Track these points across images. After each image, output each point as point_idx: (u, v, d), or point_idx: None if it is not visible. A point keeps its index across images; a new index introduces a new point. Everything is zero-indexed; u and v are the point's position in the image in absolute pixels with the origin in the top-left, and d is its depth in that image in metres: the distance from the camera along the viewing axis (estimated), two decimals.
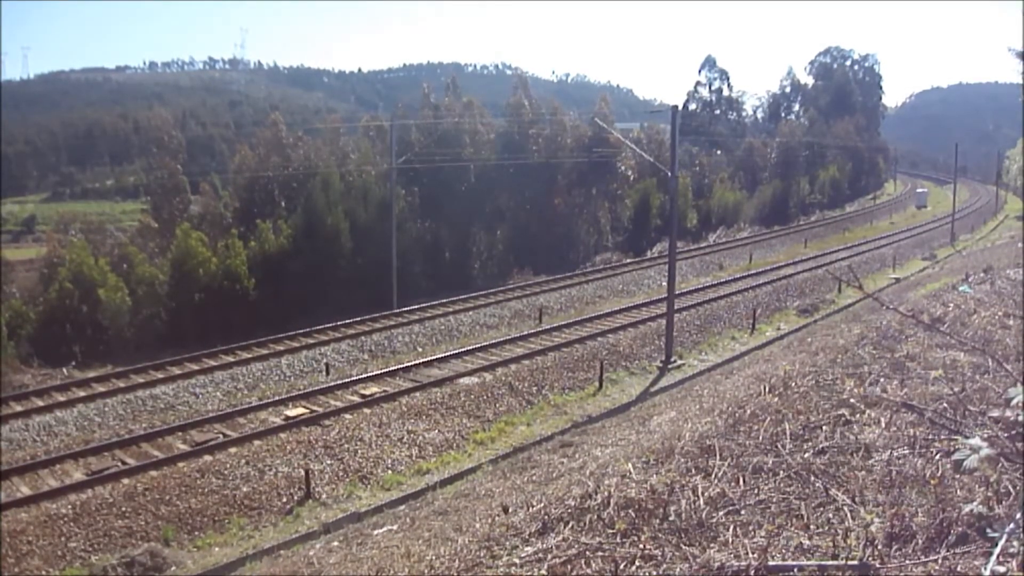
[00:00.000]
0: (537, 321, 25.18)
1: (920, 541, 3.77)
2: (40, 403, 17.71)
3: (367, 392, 18.08)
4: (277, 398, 17.76)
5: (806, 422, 6.29)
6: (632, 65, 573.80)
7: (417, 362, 20.44)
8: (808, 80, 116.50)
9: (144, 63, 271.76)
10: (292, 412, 16.81)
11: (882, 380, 7.49)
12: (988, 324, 9.69)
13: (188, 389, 18.54)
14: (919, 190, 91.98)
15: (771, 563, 3.77)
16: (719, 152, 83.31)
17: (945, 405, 5.87)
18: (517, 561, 4.72)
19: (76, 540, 11.93)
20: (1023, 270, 16.16)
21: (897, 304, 11.33)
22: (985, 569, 3.22)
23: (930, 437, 5.24)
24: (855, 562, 3.62)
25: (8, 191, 71.73)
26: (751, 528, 4.36)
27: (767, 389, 8.44)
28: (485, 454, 15.00)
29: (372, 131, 50.47)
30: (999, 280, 15.35)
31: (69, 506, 12.73)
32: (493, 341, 22.45)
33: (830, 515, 4.36)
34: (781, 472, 5.12)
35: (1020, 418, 4.32)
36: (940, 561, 3.52)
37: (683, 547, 4.22)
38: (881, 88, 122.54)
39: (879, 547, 3.78)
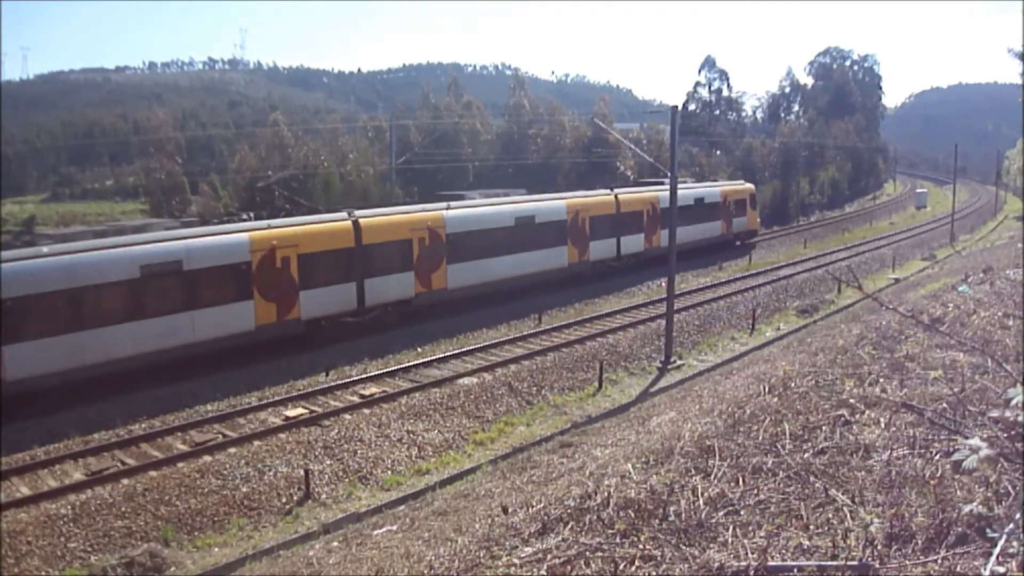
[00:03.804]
0: (537, 321, 25.18)
1: (920, 541, 3.77)
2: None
3: (367, 392, 18.07)
4: (277, 398, 17.75)
5: (806, 422, 6.29)
6: (631, 65, 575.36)
7: (417, 362, 20.43)
8: (807, 80, 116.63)
9: (144, 63, 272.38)
10: (292, 412, 16.80)
11: (882, 380, 7.50)
12: (988, 324, 9.70)
13: (188, 389, 18.51)
14: (919, 190, 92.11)
15: (771, 563, 3.77)
16: (718, 152, 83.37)
17: (945, 405, 5.87)
18: (517, 561, 4.72)
19: (76, 540, 11.92)
20: (1023, 270, 16.16)
21: (897, 304, 11.35)
22: (985, 569, 3.22)
23: (930, 437, 5.24)
24: (855, 562, 3.62)
25: (8, 191, 71.61)
26: (751, 528, 4.36)
27: (767, 389, 8.45)
28: (485, 454, 15.00)
29: (371, 131, 50.52)
30: (998, 280, 15.37)
31: (69, 506, 12.72)
32: (493, 341, 22.45)
33: (830, 515, 4.37)
34: (781, 472, 5.12)
35: (1020, 418, 4.32)
36: (940, 561, 3.52)
37: (683, 547, 4.22)
38: (880, 88, 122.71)
39: (879, 547, 3.78)
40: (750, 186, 44.00)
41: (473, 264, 25.80)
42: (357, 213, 24.01)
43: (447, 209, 26.08)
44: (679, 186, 32.12)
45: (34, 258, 17.50)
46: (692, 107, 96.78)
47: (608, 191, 34.03)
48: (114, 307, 18.10)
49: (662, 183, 33.24)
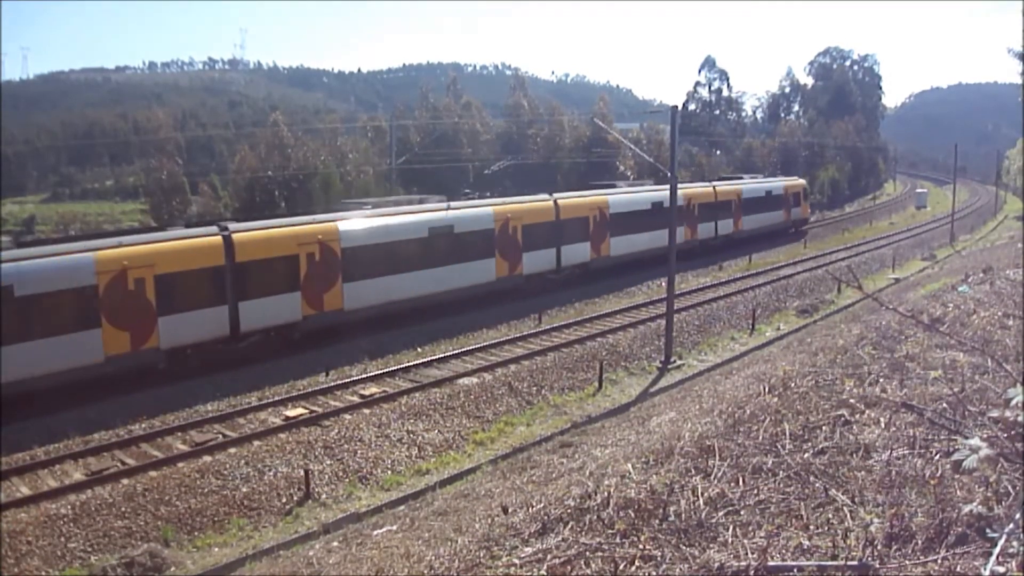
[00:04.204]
0: (537, 321, 25.18)
1: (920, 541, 3.77)
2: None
3: (366, 392, 18.07)
4: (277, 398, 17.74)
5: (806, 422, 6.29)
6: (631, 65, 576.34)
7: (417, 362, 20.42)
8: (807, 80, 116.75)
9: (144, 63, 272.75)
10: (292, 412, 16.80)
11: (882, 380, 7.50)
12: (988, 324, 9.70)
13: (188, 389, 18.51)
14: (919, 190, 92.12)
15: (771, 563, 3.77)
16: (718, 152, 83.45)
17: (945, 405, 5.87)
18: (517, 561, 4.72)
19: (76, 540, 11.92)
20: (1023, 270, 16.16)
21: (897, 304, 11.35)
22: (984, 569, 3.22)
23: (930, 437, 5.24)
24: (855, 562, 3.62)
25: (8, 191, 71.58)
26: (751, 528, 4.36)
27: (767, 389, 8.45)
28: (485, 454, 15.00)
29: (371, 131, 50.50)
30: (998, 280, 15.37)
31: (69, 506, 12.72)
32: (493, 341, 22.44)
33: (830, 515, 4.36)
34: (781, 472, 5.12)
35: (1020, 418, 4.31)
36: (940, 561, 3.51)
37: (683, 547, 4.22)
38: (880, 88, 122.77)
39: (879, 547, 3.78)
40: (803, 181, 53.60)
41: (626, 238, 32.83)
42: (555, 196, 30.41)
43: (610, 195, 33.30)
44: (755, 181, 47.26)
45: (359, 219, 23.59)
46: (692, 107, 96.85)
47: (708, 183, 42.21)
48: (411, 258, 24.07)
49: (741, 178, 47.18)
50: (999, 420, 4.67)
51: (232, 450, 14.99)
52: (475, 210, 27.17)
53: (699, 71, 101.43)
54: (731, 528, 4.38)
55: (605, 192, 33.61)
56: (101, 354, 17.67)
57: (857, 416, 6.19)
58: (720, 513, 4.63)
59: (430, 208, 26.02)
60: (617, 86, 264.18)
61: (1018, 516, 3.55)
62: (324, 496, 13.47)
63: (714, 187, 40.70)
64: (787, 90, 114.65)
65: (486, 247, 26.80)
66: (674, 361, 20.98)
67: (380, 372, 19.69)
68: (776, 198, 47.13)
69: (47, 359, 16.73)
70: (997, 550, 3.30)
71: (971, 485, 4.20)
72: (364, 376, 19.37)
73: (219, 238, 19.98)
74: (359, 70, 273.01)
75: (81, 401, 17.20)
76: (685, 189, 36.88)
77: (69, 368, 17.14)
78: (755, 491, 4.90)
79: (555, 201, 29.78)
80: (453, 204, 26.96)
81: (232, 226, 20.85)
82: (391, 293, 23.47)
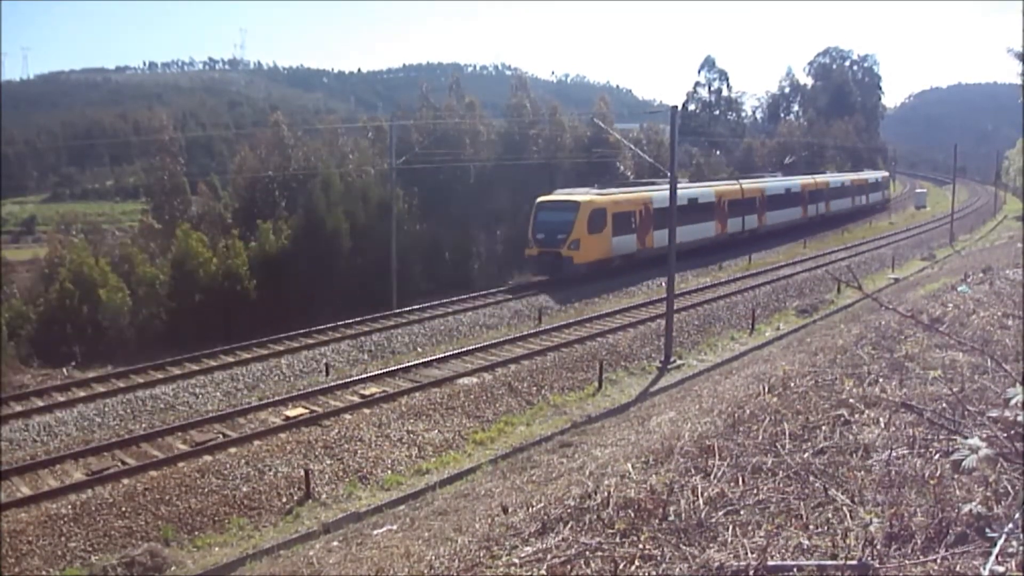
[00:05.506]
0: (537, 321, 25.18)
1: (919, 541, 3.77)
2: (40, 403, 17.68)
3: (367, 392, 18.07)
4: (277, 398, 17.74)
5: (805, 422, 6.30)
6: (631, 65, 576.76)
7: (417, 362, 20.42)
8: (807, 80, 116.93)
9: (144, 63, 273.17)
10: (292, 412, 16.80)
11: (881, 380, 7.50)
12: (987, 324, 9.70)
13: (188, 389, 18.53)
14: (918, 190, 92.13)
15: (770, 563, 3.77)
16: (718, 152, 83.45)
17: (944, 405, 5.87)
18: (516, 561, 4.72)
19: (76, 540, 11.93)
20: (1022, 270, 16.16)
21: (896, 304, 11.34)
22: (984, 569, 3.23)
23: (929, 437, 5.25)
24: (854, 562, 3.62)
25: (8, 191, 71.65)
26: (750, 528, 4.36)
27: (766, 389, 8.46)
28: (485, 454, 14.99)
29: (371, 132, 50.50)
30: (998, 280, 15.36)
31: (69, 506, 12.72)
32: (493, 341, 22.43)
33: (829, 515, 4.36)
34: (780, 472, 5.12)
35: (1019, 418, 4.32)
36: (939, 561, 3.52)
37: (682, 547, 4.22)
38: (880, 88, 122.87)
39: (878, 547, 3.78)
40: (887, 172, 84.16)
41: (826, 203, 54.37)
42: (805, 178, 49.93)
43: (815, 177, 53.11)
44: (873, 173, 76.82)
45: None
46: (692, 107, 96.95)
47: (853, 173, 70.79)
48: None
49: (863, 170, 75.59)
50: (999, 420, 4.67)
51: (232, 450, 14.99)
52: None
53: (699, 71, 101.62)
54: (731, 528, 4.38)
55: (808, 178, 51.63)
56: (713, 233, 39.30)
57: (857, 416, 6.19)
58: (720, 513, 4.63)
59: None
60: (617, 86, 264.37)
61: (1018, 516, 3.56)
62: (324, 496, 13.48)
63: (854, 176, 66.20)
64: (787, 90, 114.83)
65: None
66: (674, 361, 20.98)
67: (380, 372, 19.69)
68: (877, 184, 71.90)
69: (698, 235, 37.03)
70: (997, 550, 3.31)
71: (971, 485, 4.20)
72: (364, 376, 19.37)
73: (739, 185, 43.38)
74: (359, 70, 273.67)
75: (82, 400, 17.23)
76: (855, 176, 66.43)
77: (703, 238, 37.70)
78: (755, 491, 4.90)
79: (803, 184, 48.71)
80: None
81: (743, 179, 45.12)
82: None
